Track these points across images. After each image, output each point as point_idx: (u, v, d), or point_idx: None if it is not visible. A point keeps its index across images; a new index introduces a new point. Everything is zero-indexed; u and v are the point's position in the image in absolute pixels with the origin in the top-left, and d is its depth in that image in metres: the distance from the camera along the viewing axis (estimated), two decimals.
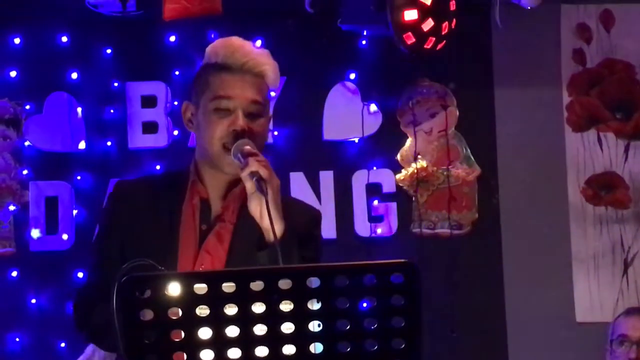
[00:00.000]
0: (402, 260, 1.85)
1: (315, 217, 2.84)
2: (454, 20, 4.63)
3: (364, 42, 5.02)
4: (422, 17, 4.54)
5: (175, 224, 2.64)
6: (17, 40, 4.98)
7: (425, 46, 4.60)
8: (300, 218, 2.71)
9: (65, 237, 4.95)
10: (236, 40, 2.71)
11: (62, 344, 4.84)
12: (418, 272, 1.86)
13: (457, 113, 5.11)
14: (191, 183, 2.69)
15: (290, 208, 2.66)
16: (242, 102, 2.62)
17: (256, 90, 2.65)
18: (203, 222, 2.66)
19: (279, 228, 2.47)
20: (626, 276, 5.07)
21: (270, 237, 2.47)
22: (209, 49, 2.73)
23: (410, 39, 4.56)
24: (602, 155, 5.13)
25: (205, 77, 2.69)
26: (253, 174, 2.48)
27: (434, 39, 4.60)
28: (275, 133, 5.01)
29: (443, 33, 4.60)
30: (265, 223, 2.49)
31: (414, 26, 4.53)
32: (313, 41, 5.00)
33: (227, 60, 2.66)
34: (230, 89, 2.63)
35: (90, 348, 4.09)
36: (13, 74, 4.97)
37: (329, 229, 4.95)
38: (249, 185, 2.51)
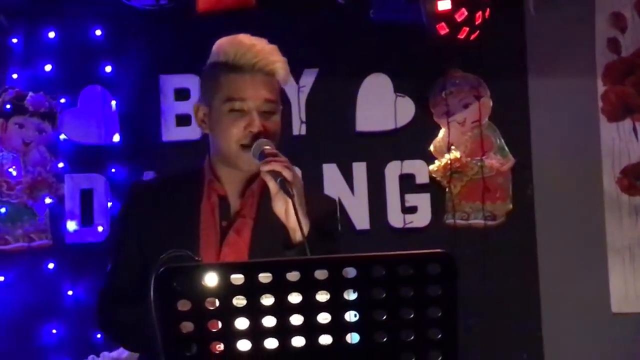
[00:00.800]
0: (439, 250, 1.84)
1: (333, 208, 2.87)
2: (488, 9, 4.61)
3: (396, 33, 5.01)
4: (456, 7, 4.52)
5: (195, 223, 2.65)
6: (51, 34, 5.01)
7: (458, 36, 4.59)
8: (320, 211, 2.71)
9: (100, 229, 4.98)
10: (246, 39, 2.70)
11: (98, 336, 4.86)
12: (455, 263, 1.85)
13: (491, 103, 5.09)
14: (208, 182, 2.70)
15: (310, 203, 2.66)
16: (256, 102, 2.63)
17: (269, 89, 2.66)
18: (223, 218, 2.67)
19: (305, 227, 2.48)
20: None
21: (296, 236, 2.50)
22: (216, 47, 2.73)
23: (443, 29, 4.55)
24: (638, 144, 5.09)
25: (217, 78, 2.69)
26: (276, 175, 2.49)
27: (467, 29, 4.58)
28: (308, 125, 5.01)
29: (477, 23, 4.58)
30: (291, 223, 2.51)
31: (448, 16, 4.52)
32: (345, 33, 4.99)
33: (238, 60, 2.65)
34: (244, 91, 2.63)
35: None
36: (48, 67, 5.01)
37: (362, 220, 4.96)
38: (272, 185, 2.52)
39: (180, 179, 2.83)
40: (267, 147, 2.56)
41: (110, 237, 4.95)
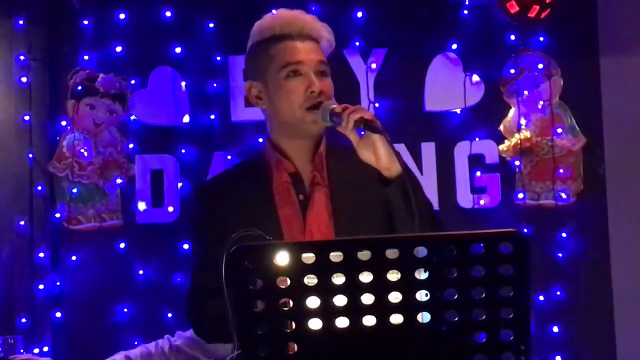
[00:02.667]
0: (511, 229, 1.83)
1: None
2: None
3: (466, 12, 4.98)
4: None
5: (271, 206, 2.65)
6: (122, 16, 5.06)
7: (529, 15, 4.57)
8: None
9: (170, 209, 5.03)
10: (286, 12, 2.71)
11: (169, 314, 4.92)
12: (527, 242, 1.84)
13: (562, 82, 5.05)
14: (275, 162, 2.69)
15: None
16: (310, 64, 2.63)
17: (319, 52, 2.67)
18: (299, 193, 2.67)
19: (396, 165, 2.49)
20: None
21: (391, 173, 2.50)
22: (257, 27, 2.72)
23: (514, 7, 4.53)
24: None
25: (267, 51, 2.68)
26: (357, 123, 2.48)
27: (538, 7, 4.56)
28: (377, 105, 5.01)
29: (547, 1, 4.55)
30: (383, 162, 2.50)
31: None
32: (414, 12, 4.98)
33: (285, 30, 2.66)
34: (297, 54, 2.64)
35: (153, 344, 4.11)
36: (119, 49, 5.06)
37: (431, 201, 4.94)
38: (353, 136, 2.52)
39: (241, 170, 2.82)
40: (334, 105, 2.57)
41: (181, 217, 5.00)
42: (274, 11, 2.74)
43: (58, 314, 4.92)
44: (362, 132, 2.49)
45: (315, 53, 2.65)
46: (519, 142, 5.00)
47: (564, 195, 5.00)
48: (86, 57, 5.06)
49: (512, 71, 5.03)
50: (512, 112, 5.04)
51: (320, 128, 2.62)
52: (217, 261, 2.57)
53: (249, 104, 5.00)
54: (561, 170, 5.01)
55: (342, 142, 2.59)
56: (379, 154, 2.50)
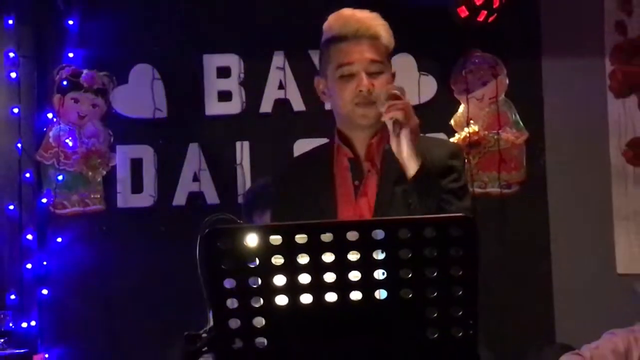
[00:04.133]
0: (461, 214, 1.84)
1: (453, 149, 2.82)
2: None
3: (420, 16, 4.97)
4: None
5: (331, 189, 2.68)
6: (104, 17, 5.02)
7: (477, 19, 4.57)
8: (439, 151, 2.71)
9: (148, 195, 4.99)
10: (347, 11, 2.72)
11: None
12: (475, 226, 1.85)
13: (507, 81, 5.06)
14: (337, 148, 2.72)
15: (429, 143, 2.73)
16: (362, 64, 2.65)
17: (373, 51, 2.67)
18: (355, 178, 2.69)
19: (414, 163, 2.53)
20: None
21: (409, 171, 2.54)
22: (324, 26, 2.75)
23: (464, 12, 4.54)
24: None
25: (327, 51, 2.71)
26: (391, 118, 2.54)
27: (486, 12, 4.57)
28: None
29: (494, 6, 4.57)
30: (402, 159, 2.55)
31: (468, 0, 4.49)
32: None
33: (341, 31, 2.68)
34: (350, 56, 2.65)
35: None
36: (101, 47, 5.02)
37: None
38: (389, 126, 2.57)
39: (316, 152, 2.86)
40: (395, 91, 2.59)
41: (158, 202, 4.98)
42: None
43: (44, 291, 4.89)
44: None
45: (368, 52, 2.66)
46: (467, 135, 5.01)
47: (508, 184, 5.02)
48: (71, 55, 5.02)
49: (462, 70, 5.03)
50: (461, 108, 5.05)
51: (371, 120, 2.64)
52: None
53: (221, 99, 5.04)
54: (506, 161, 5.02)
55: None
56: (401, 151, 2.54)
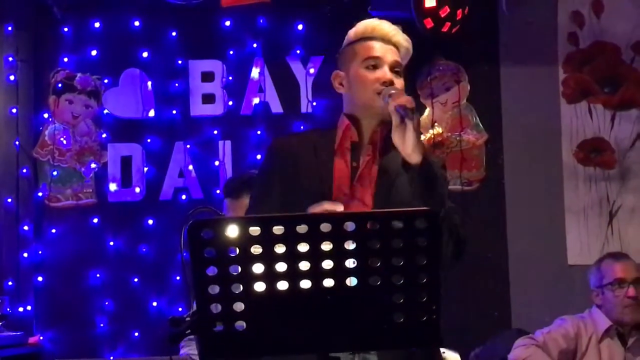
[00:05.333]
0: (425, 208, 1.84)
1: (441, 161, 2.81)
2: (467, 7, 4.59)
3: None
4: (440, 5, 4.51)
5: (330, 163, 2.62)
6: (97, 25, 5.00)
7: (442, 30, 4.57)
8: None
9: (137, 190, 4.98)
10: (375, 21, 2.73)
11: (135, 279, 4.89)
12: (438, 219, 1.85)
13: (469, 87, 5.07)
14: (345, 127, 2.66)
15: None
16: (387, 60, 2.64)
17: (396, 55, 2.67)
18: (354, 160, 2.65)
19: (418, 154, 2.44)
20: (611, 226, 5.04)
21: (410, 160, 2.45)
22: (350, 33, 2.73)
23: (429, 23, 4.54)
24: (592, 123, 5.08)
25: (352, 49, 2.69)
26: (399, 106, 2.46)
27: (449, 23, 4.57)
28: (314, 104, 5.00)
29: (458, 18, 4.57)
30: (407, 148, 2.45)
31: (433, 12, 4.51)
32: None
33: (371, 33, 2.68)
34: (377, 51, 2.65)
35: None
36: (94, 52, 5.01)
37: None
38: (394, 118, 2.48)
39: (315, 134, 2.79)
40: (393, 90, 2.57)
41: (146, 197, 4.96)
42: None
43: (40, 278, 4.86)
44: (403, 115, 2.44)
45: (393, 54, 2.65)
46: (432, 136, 5.02)
47: (469, 182, 5.04)
48: (66, 59, 5.00)
49: (428, 77, 5.04)
50: (427, 111, 5.06)
51: (385, 110, 2.56)
52: (273, 199, 2.55)
53: (205, 102, 5.02)
54: (467, 161, 5.04)
55: None
56: (406, 140, 2.44)
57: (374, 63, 2.64)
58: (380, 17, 2.79)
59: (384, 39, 2.67)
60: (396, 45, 2.68)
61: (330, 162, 2.63)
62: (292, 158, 2.64)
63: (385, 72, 2.62)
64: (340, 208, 2.35)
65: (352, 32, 2.75)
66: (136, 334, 4.85)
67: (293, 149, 2.67)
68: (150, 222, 4.91)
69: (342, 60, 2.75)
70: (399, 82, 2.64)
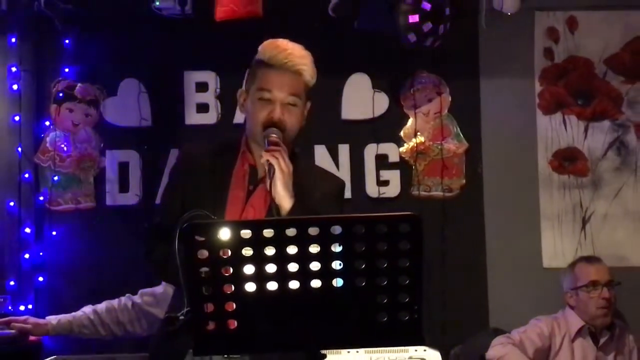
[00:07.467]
0: (408, 213, 1.84)
1: (339, 186, 2.81)
2: (449, 23, 4.60)
3: (374, 40, 4.97)
4: (423, 21, 4.51)
5: (227, 184, 2.63)
6: (96, 37, 4.99)
7: (425, 44, 4.58)
8: (327, 185, 2.70)
9: (134, 195, 4.96)
10: (282, 43, 2.66)
11: (132, 280, 4.86)
12: (421, 223, 1.85)
13: (450, 99, 5.08)
14: (242, 153, 2.68)
15: (318, 175, 2.72)
16: (280, 94, 2.59)
17: (294, 85, 2.61)
18: (250, 183, 2.65)
19: (287, 202, 2.49)
20: (584, 231, 5.05)
21: (282, 210, 2.49)
22: (260, 47, 2.68)
23: (413, 38, 4.55)
24: (566, 133, 5.10)
25: (254, 71, 2.66)
26: (267, 161, 2.50)
27: (432, 38, 4.58)
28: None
29: (440, 33, 4.58)
30: (276, 197, 2.49)
31: (416, 28, 4.51)
32: (334, 39, 4.97)
33: (272, 59, 2.61)
34: (271, 84, 2.60)
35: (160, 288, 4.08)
36: (94, 63, 4.99)
37: (346, 191, 4.94)
38: (265, 168, 2.53)
39: (221, 147, 2.77)
40: (274, 135, 2.55)
41: (142, 201, 4.95)
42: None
43: (41, 279, 4.84)
44: (268, 169, 2.51)
45: (288, 86, 2.59)
46: (415, 145, 5.02)
47: (450, 189, 5.04)
48: (67, 70, 4.98)
49: (411, 89, 5.05)
50: (410, 121, 5.06)
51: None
52: (175, 208, 2.55)
53: (199, 111, 5.01)
54: (448, 168, 5.04)
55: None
56: (275, 192, 2.48)
57: (267, 97, 2.59)
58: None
59: (284, 66, 2.60)
60: (299, 73, 2.62)
61: (228, 180, 2.62)
62: (194, 174, 2.64)
63: (275, 109, 2.58)
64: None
65: (260, 48, 2.68)
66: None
67: (197, 164, 2.66)
68: (146, 225, 4.88)
69: (247, 79, 2.71)
70: (292, 115, 2.60)
